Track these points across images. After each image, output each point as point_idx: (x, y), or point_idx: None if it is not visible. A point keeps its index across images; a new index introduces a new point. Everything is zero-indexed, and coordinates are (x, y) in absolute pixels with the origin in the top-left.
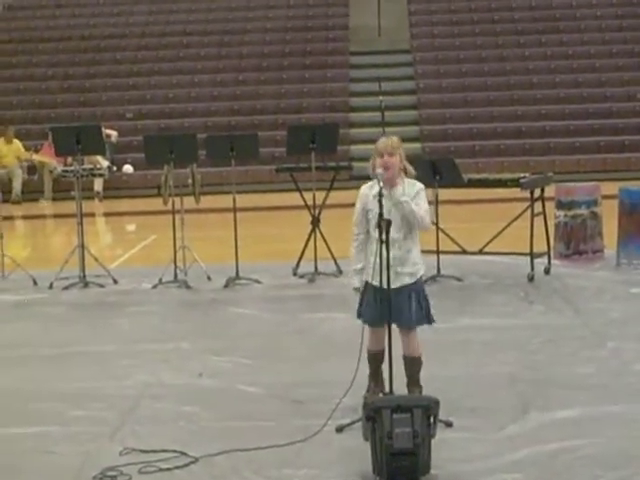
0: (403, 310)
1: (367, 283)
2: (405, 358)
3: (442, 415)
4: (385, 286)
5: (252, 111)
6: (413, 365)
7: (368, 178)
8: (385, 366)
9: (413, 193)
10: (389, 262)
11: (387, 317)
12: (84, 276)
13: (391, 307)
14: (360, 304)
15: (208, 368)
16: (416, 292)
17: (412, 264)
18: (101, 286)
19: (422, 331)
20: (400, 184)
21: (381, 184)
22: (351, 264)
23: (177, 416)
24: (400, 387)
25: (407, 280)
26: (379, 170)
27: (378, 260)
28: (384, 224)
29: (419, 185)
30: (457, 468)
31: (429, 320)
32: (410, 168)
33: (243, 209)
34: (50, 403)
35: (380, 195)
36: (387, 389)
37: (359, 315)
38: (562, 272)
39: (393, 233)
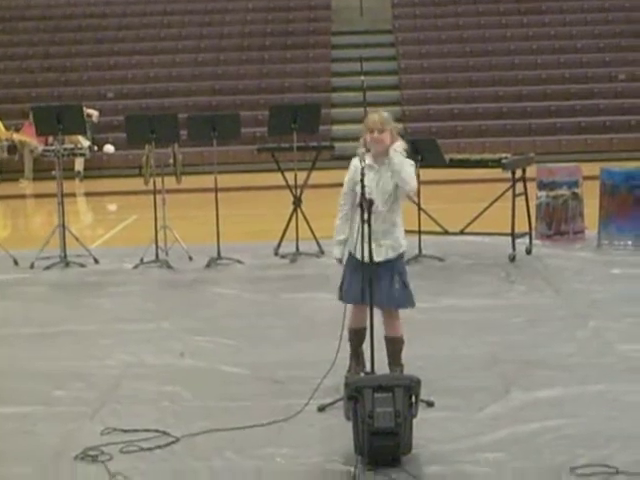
0: (384, 290)
1: (350, 255)
2: (387, 338)
3: (424, 395)
4: (368, 260)
5: (234, 91)
6: (395, 345)
7: (349, 158)
8: (366, 345)
9: (399, 167)
10: (371, 236)
11: (369, 296)
12: (65, 256)
13: (374, 284)
14: (342, 282)
15: (189, 348)
16: (399, 273)
17: (395, 238)
18: (82, 266)
19: (404, 311)
20: (390, 158)
21: (363, 163)
22: (335, 234)
23: (158, 396)
24: (382, 367)
25: (390, 254)
26: (361, 149)
27: (361, 237)
28: (366, 204)
29: (408, 160)
30: (439, 447)
31: (410, 303)
32: (401, 143)
33: (224, 189)
34: (31, 383)
35: (362, 175)
36: (368, 368)
37: (340, 297)
38: (543, 252)
39: (380, 205)
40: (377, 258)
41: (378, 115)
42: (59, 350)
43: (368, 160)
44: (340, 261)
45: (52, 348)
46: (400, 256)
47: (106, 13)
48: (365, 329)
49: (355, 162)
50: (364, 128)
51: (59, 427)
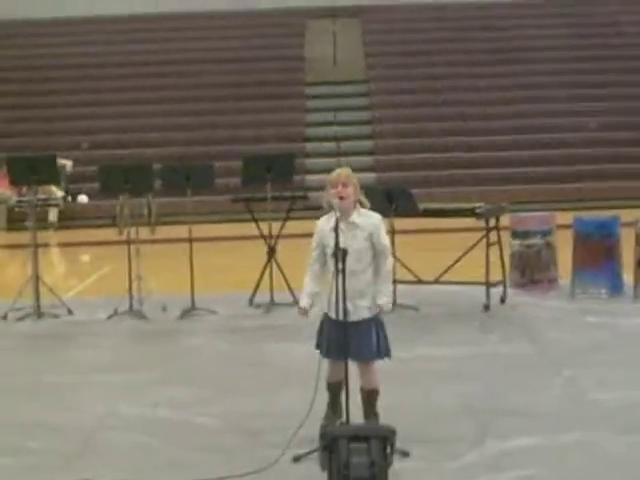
0: (362, 345)
1: (326, 315)
2: (362, 390)
3: (399, 444)
4: (342, 318)
5: (208, 141)
6: (370, 397)
7: (322, 208)
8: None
9: (371, 227)
10: (346, 294)
11: (344, 352)
12: (38, 307)
13: (350, 341)
14: (319, 334)
15: (164, 399)
16: (376, 326)
17: (371, 297)
18: (56, 317)
19: (379, 360)
20: (356, 216)
21: (337, 213)
22: (304, 288)
23: (133, 447)
24: (357, 414)
25: (366, 314)
26: (335, 200)
27: (335, 293)
28: (340, 254)
29: (376, 217)
30: None
31: (387, 354)
32: (365, 200)
33: (199, 239)
34: (3, 435)
35: (336, 225)
36: (344, 418)
37: (318, 346)
38: (517, 301)
39: (353, 265)
40: (353, 318)
41: (341, 170)
42: (32, 401)
43: (333, 221)
44: (304, 312)
45: (25, 399)
46: (377, 314)
47: (83, 64)
48: (342, 381)
49: (321, 224)
50: (327, 184)
51: (31, 479)
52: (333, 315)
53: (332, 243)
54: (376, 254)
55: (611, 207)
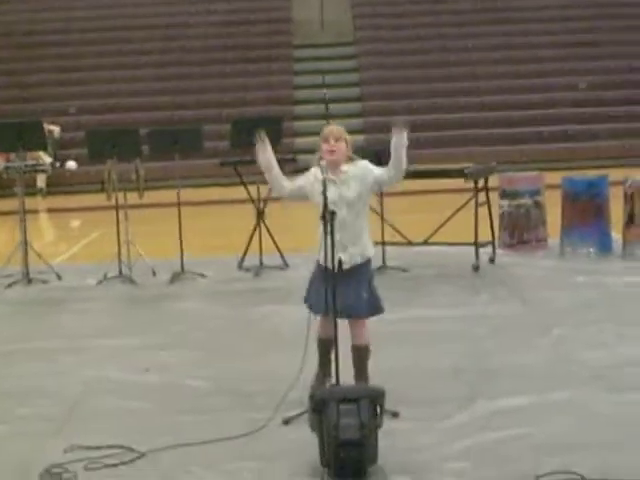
0: (351, 299)
1: (318, 266)
2: (353, 347)
3: (389, 405)
4: (334, 271)
5: (196, 105)
6: (361, 354)
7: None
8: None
9: (362, 170)
10: (339, 243)
11: (334, 308)
12: (27, 273)
13: (341, 295)
14: (308, 291)
15: (154, 363)
16: (366, 279)
17: (362, 244)
18: (45, 282)
19: (369, 322)
20: (346, 167)
21: (325, 174)
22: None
23: (123, 411)
24: (347, 378)
25: (359, 260)
26: (322, 162)
27: (325, 246)
28: (329, 216)
29: (364, 161)
30: (404, 458)
31: (379, 309)
32: (356, 157)
33: (187, 203)
34: None
35: (324, 186)
36: (334, 379)
37: (306, 301)
38: (507, 261)
39: (345, 214)
40: (345, 266)
41: (333, 126)
42: (22, 367)
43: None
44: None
45: (15, 365)
46: (368, 262)
47: (68, 29)
48: (332, 339)
49: (315, 170)
50: (320, 140)
51: (23, 444)
52: (322, 261)
53: (321, 196)
54: (378, 182)
55: (601, 167)
